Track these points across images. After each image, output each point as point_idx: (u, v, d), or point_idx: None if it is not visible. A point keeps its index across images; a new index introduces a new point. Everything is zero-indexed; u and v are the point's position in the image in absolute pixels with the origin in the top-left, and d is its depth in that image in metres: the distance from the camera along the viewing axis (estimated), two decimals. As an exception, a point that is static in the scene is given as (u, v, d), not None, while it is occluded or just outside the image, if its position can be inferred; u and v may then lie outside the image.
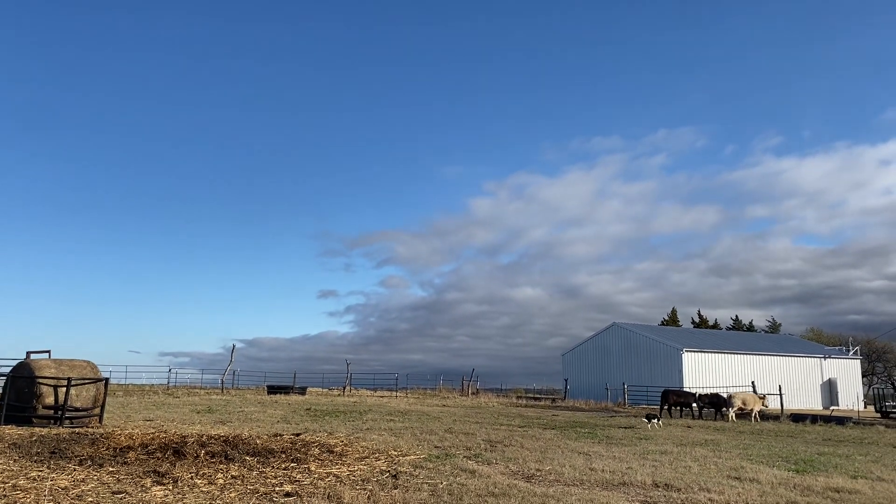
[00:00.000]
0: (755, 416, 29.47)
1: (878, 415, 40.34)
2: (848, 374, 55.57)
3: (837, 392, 52.96)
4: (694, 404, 32.39)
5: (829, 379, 54.05)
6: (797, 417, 30.30)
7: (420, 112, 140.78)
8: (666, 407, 32.45)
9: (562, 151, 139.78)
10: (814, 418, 29.71)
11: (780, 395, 34.21)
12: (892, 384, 74.47)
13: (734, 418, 28.99)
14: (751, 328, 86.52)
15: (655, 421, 23.34)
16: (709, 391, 36.00)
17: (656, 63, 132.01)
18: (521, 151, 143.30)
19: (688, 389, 36.70)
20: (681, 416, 31.66)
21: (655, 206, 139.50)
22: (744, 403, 29.60)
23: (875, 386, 65.41)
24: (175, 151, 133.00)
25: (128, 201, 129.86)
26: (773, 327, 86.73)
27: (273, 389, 42.09)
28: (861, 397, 55.08)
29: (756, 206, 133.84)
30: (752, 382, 37.59)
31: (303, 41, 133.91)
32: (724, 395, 31.56)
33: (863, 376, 61.20)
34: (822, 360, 54.94)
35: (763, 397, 30.72)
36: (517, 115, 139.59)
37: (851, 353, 57.54)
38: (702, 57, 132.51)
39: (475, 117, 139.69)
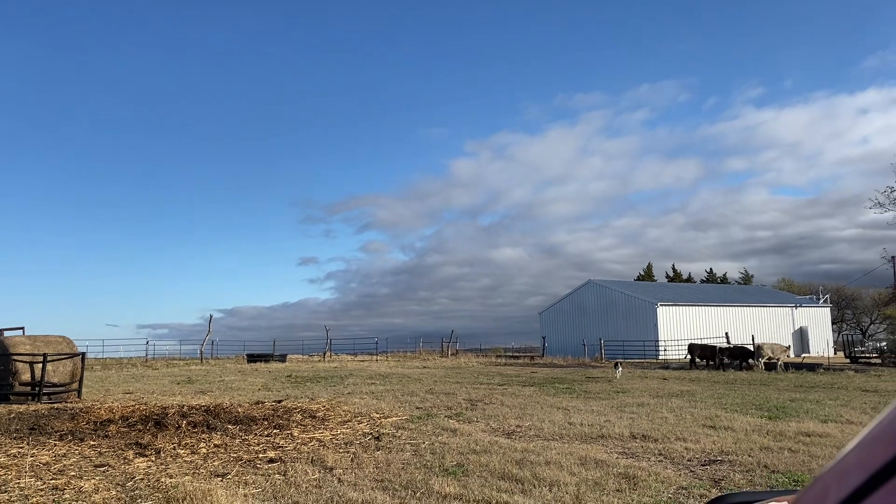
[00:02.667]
0: (781, 365, 30.51)
1: (848, 360, 41.41)
2: (818, 321, 56.78)
3: (808, 339, 54.14)
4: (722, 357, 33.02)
5: (801, 327, 55.21)
6: (769, 366, 30.99)
7: (400, 74, 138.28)
8: (697, 359, 33.26)
9: (544, 109, 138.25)
10: (786, 366, 30.43)
11: (754, 344, 34.91)
12: (861, 330, 76.31)
13: (762, 367, 29.94)
14: (724, 280, 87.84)
15: (619, 370, 25.26)
16: (719, 343, 36.52)
17: (639, 15, 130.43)
18: (503, 110, 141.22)
19: (710, 343, 36.99)
20: (707, 368, 32.17)
21: (636, 161, 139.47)
22: (772, 353, 30.68)
23: (844, 332, 67.00)
24: (147, 119, 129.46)
25: (99, 170, 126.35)
26: (746, 279, 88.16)
27: (253, 358, 42.08)
28: (831, 344, 56.44)
29: (735, 158, 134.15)
30: (726, 333, 38.29)
31: (278, 3, 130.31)
32: (749, 347, 32.52)
33: (832, 323, 62.65)
34: (794, 309, 56.03)
35: (789, 347, 32.02)
36: (499, 73, 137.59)
37: (821, 301, 58.74)
38: (685, 7, 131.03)
39: (457, 77, 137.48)
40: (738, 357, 32.00)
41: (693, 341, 37.44)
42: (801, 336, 54.15)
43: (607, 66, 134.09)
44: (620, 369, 25.57)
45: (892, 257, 45.10)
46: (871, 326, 77.10)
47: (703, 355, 33.56)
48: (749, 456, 8.67)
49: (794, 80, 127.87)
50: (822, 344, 53.28)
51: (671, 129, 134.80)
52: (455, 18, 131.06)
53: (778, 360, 30.68)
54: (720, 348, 33.13)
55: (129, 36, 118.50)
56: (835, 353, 53.13)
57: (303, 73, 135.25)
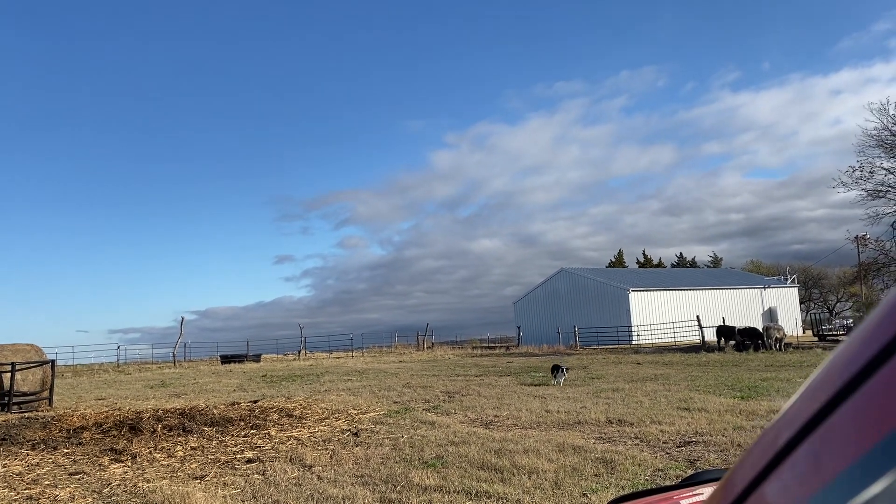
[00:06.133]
0: (784, 344, 31.65)
1: (816, 338, 42.25)
2: (786, 301, 57.80)
3: (777, 319, 55.02)
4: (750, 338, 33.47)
5: (770, 308, 56.14)
6: (740, 347, 31.51)
7: (378, 66, 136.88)
8: (728, 341, 33.70)
9: (524, 98, 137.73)
10: (756, 346, 30.94)
11: (717, 326, 35.44)
12: (828, 309, 77.83)
13: (774, 346, 30.79)
14: (694, 264, 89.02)
15: (561, 375, 17.78)
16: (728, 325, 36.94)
17: (621, 0, 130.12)
18: (484, 101, 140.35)
19: (732, 325, 37.13)
20: (740, 350, 32.53)
21: (614, 148, 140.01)
22: (779, 333, 31.60)
23: (812, 311, 68.34)
24: (112, 117, 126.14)
25: (64, 172, 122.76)
26: (715, 262, 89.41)
27: (227, 359, 41.70)
28: (800, 323, 57.54)
29: (711, 142, 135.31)
30: (697, 316, 38.78)
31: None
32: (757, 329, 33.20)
33: (800, 303, 63.79)
34: (762, 290, 56.97)
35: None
36: (479, 63, 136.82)
37: (789, 281, 59.79)
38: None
39: (436, 68, 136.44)
40: (752, 338, 32.50)
41: (665, 325, 37.84)
42: (771, 316, 55.06)
43: (588, 54, 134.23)
44: (563, 376, 17.72)
45: (856, 237, 45.98)
46: (838, 304, 78.70)
47: (727, 337, 33.95)
48: (723, 436, 8.82)
49: (771, 62, 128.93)
50: (790, 323, 54.18)
51: (648, 116, 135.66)
52: (433, 8, 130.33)
53: (783, 338, 31.48)
54: (738, 330, 33.54)
55: (90, 28, 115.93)
56: (803, 332, 54.17)
57: (277, 67, 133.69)
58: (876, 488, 0.52)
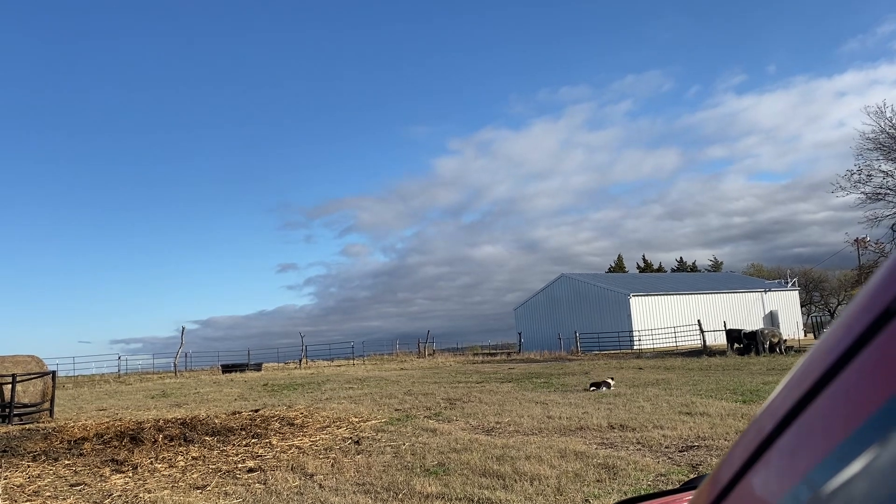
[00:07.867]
0: (785, 347, 31.72)
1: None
2: (788, 304, 57.75)
3: (779, 323, 54.99)
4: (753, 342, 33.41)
5: (771, 311, 56.09)
6: (742, 351, 31.46)
7: (382, 71, 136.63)
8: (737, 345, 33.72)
9: (529, 104, 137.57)
10: (758, 350, 30.89)
11: (726, 329, 35.40)
12: (829, 312, 77.75)
13: (772, 350, 30.83)
14: (694, 268, 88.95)
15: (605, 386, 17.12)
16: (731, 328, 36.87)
17: (627, 3, 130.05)
18: (488, 106, 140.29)
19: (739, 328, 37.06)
20: (742, 354, 32.54)
21: (618, 153, 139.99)
22: (774, 337, 31.60)
23: (813, 314, 68.30)
24: (111, 123, 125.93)
25: (67, 178, 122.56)
26: (716, 266, 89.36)
27: (228, 368, 41.64)
28: (801, 326, 57.46)
29: (715, 146, 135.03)
30: (699, 320, 38.74)
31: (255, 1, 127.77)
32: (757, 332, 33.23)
33: (801, 306, 63.74)
34: (763, 293, 56.94)
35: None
36: (483, 68, 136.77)
37: (790, 284, 59.76)
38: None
39: (440, 74, 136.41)
40: (752, 340, 32.42)
41: (666, 329, 37.73)
42: (772, 319, 55.02)
43: (593, 58, 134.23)
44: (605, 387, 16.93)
45: (856, 239, 45.97)
46: (839, 308, 78.62)
47: (736, 340, 33.86)
48: (725, 440, 8.80)
49: (777, 64, 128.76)
50: (791, 326, 54.14)
51: (653, 120, 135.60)
52: (436, 13, 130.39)
53: (779, 342, 31.47)
54: (743, 333, 33.47)
55: (91, 29, 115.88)
56: (805, 335, 54.09)
57: (278, 73, 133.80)
58: (855, 467, 0.54)
